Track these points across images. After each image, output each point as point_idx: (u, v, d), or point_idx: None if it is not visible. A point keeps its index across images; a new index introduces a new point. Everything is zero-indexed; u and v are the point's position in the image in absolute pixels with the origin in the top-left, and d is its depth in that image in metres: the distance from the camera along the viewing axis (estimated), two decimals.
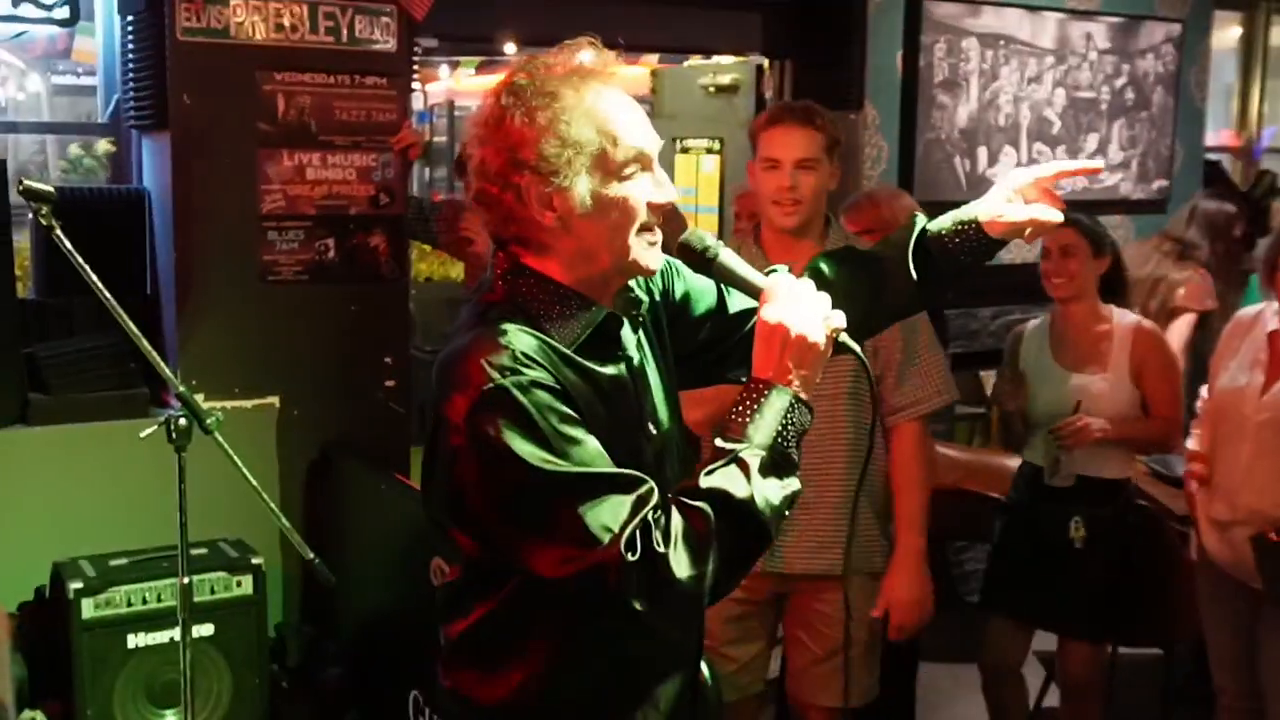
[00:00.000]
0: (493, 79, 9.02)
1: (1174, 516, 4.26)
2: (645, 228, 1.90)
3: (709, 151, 6.25)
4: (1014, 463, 4.27)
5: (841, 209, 4.29)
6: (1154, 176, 6.68)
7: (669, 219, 1.95)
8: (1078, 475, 3.92)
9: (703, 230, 1.95)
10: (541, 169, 1.82)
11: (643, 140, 1.88)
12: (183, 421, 3.04)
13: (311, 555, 3.10)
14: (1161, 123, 6.65)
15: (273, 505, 3.17)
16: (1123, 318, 4.02)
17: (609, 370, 1.93)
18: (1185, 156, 6.80)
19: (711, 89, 6.24)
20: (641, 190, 1.88)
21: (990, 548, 4.32)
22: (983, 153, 6.05)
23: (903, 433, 3.38)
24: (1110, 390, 3.91)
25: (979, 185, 6.02)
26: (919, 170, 5.82)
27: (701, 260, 1.91)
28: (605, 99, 1.87)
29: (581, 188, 1.84)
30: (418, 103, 10.09)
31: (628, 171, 1.86)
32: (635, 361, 2.00)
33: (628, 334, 2.00)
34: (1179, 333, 5.31)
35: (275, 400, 4.57)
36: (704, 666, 2.80)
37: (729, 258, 1.92)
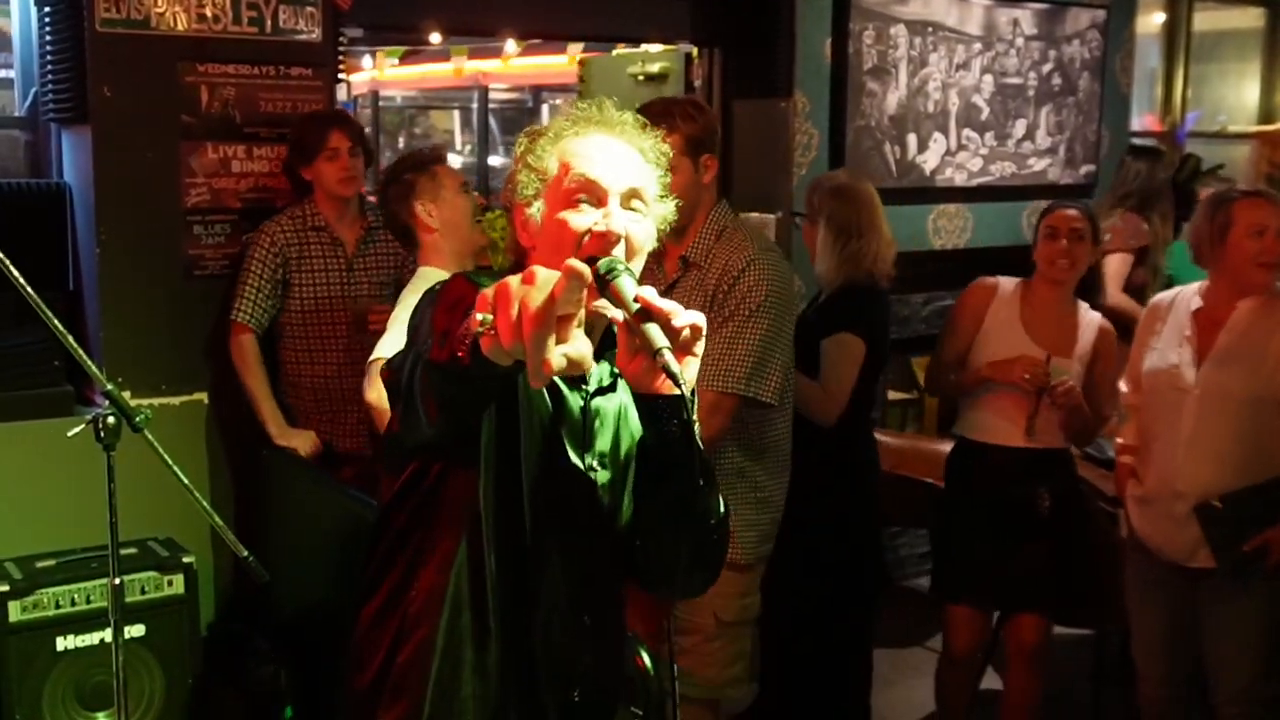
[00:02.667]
0: (417, 69, 8.92)
1: (1104, 498, 4.34)
2: (591, 261, 1.91)
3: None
4: (947, 447, 4.33)
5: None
6: (1081, 161, 6.78)
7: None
8: (1025, 449, 4.01)
9: (618, 258, 1.90)
10: (517, 192, 2.05)
11: (596, 173, 1.98)
12: (111, 420, 3.01)
13: (245, 553, 3.09)
14: (1088, 108, 6.75)
15: (204, 503, 3.14)
16: (1087, 313, 4.13)
17: (567, 393, 2.04)
18: (1111, 141, 6.90)
19: (640, 77, 6.25)
20: (584, 218, 1.97)
21: (934, 535, 4.36)
22: (912, 139, 6.11)
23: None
24: (1074, 379, 3.98)
25: (909, 172, 6.09)
26: (849, 157, 5.86)
27: (600, 281, 1.85)
28: (581, 138, 2.03)
29: (535, 209, 2.03)
30: (341, 93, 10.04)
31: (575, 199, 1.98)
32: (595, 398, 2.07)
33: (597, 370, 2.07)
34: (1114, 271, 5.56)
35: (203, 396, 4.54)
36: (644, 654, 2.83)
37: (625, 283, 1.83)
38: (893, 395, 6.10)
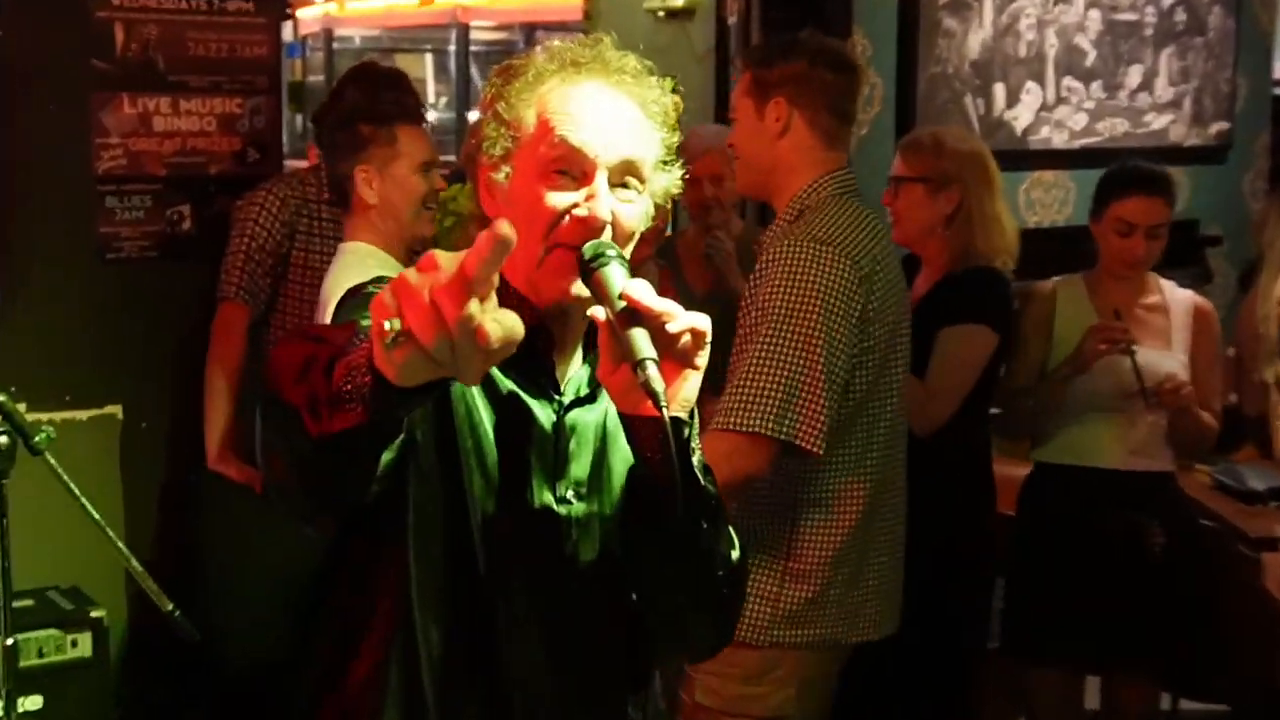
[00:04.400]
0: (380, 2, 9.03)
1: (1245, 539, 4.32)
2: (565, 245, 1.93)
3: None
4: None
5: (900, 144, 4.34)
6: (1211, 118, 6.74)
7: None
8: (1126, 471, 4.04)
9: (609, 243, 1.91)
10: (483, 148, 2.01)
11: (582, 139, 1.94)
12: (3, 440, 3.01)
13: (171, 606, 3.08)
14: (1220, 51, 6.71)
15: (119, 544, 3.14)
16: (1174, 291, 4.22)
17: (534, 406, 2.01)
18: (1249, 92, 6.86)
19: (660, 13, 6.25)
20: (563, 197, 1.93)
21: (1010, 579, 4.36)
22: (999, 90, 6.08)
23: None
24: (1181, 371, 4.03)
25: (996, 131, 6.06)
26: (921, 113, 5.84)
27: (583, 268, 1.89)
28: (568, 86, 1.98)
29: (504, 173, 2.00)
30: (287, 33, 10.04)
31: (554, 169, 1.94)
32: (570, 411, 2.04)
33: (575, 376, 2.06)
34: None
35: (118, 410, 4.55)
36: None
37: (613, 273, 1.84)
38: None
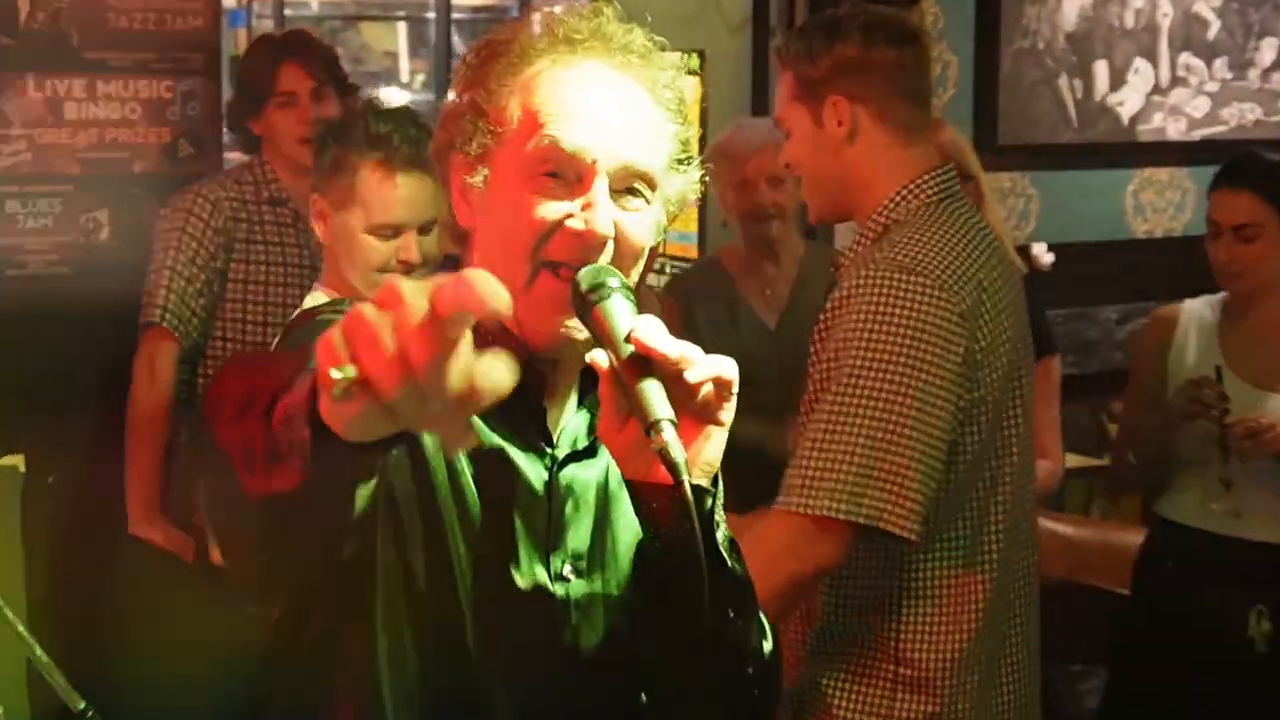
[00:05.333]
0: None
1: None
2: (556, 266, 1.91)
3: (685, 72, 6.29)
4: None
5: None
6: None
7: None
8: (1254, 543, 4.02)
9: (610, 269, 1.88)
10: (456, 143, 2.00)
11: (576, 140, 1.91)
12: None
13: (83, 704, 3.11)
14: None
15: (20, 626, 3.17)
16: None
17: (522, 461, 1.99)
18: None
19: None
20: (553, 206, 1.91)
21: (1111, 662, 4.38)
22: (1101, 69, 6.10)
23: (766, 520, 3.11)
24: None
25: (1097, 119, 6.08)
26: (1005, 97, 5.86)
27: (579, 302, 1.86)
28: (559, 73, 1.96)
29: (480, 176, 1.98)
30: None
31: (542, 172, 1.92)
32: (565, 467, 2.03)
33: (571, 424, 2.04)
34: None
35: (19, 462, 4.59)
36: None
37: (617, 309, 1.81)
38: (1072, 461, 6.07)
